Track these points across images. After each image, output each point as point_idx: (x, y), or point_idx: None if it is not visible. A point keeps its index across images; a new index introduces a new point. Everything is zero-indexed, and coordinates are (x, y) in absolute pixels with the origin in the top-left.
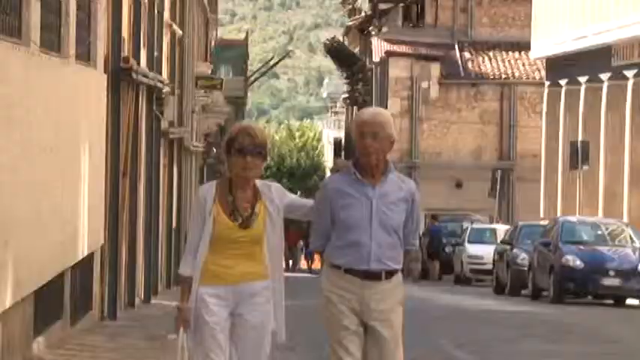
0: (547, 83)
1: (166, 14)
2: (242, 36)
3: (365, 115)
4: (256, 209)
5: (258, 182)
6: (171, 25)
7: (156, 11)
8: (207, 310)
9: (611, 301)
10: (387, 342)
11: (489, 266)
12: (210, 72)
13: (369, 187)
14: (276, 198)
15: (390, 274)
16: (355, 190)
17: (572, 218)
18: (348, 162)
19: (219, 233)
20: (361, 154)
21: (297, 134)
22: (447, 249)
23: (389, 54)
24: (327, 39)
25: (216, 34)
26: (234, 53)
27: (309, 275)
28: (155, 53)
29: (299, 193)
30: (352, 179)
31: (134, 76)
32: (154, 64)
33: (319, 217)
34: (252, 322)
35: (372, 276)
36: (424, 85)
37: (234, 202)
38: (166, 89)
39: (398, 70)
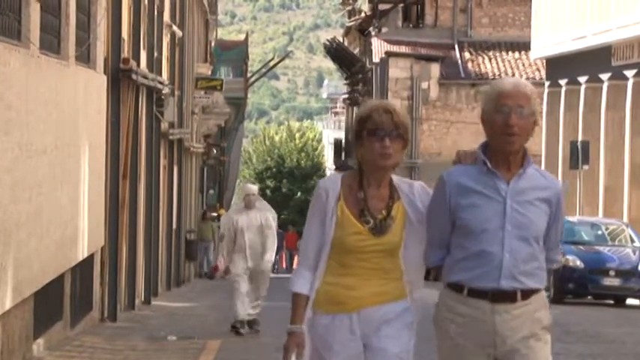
0: (547, 83)
1: (166, 15)
2: (242, 37)
3: (506, 85)
4: (393, 212)
5: (395, 178)
6: (171, 26)
7: (155, 12)
8: (331, 351)
9: (611, 301)
10: None
11: None
12: (210, 73)
13: (501, 182)
14: (419, 200)
15: (528, 294)
16: (483, 184)
17: (573, 218)
18: (477, 150)
19: (344, 240)
20: (499, 135)
21: (297, 135)
22: None
23: (389, 54)
24: (327, 40)
25: (216, 35)
26: (234, 54)
27: None
28: (155, 54)
29: (299, 193)
30: (480, 171)
31: (134, 77)
32: (154, 65)
33: (436, 222)
34: (388, 354)
35: (504, 297)
36: (424, 85)
37: (366, 200)
38: (166, 90)
39: (398, 70)
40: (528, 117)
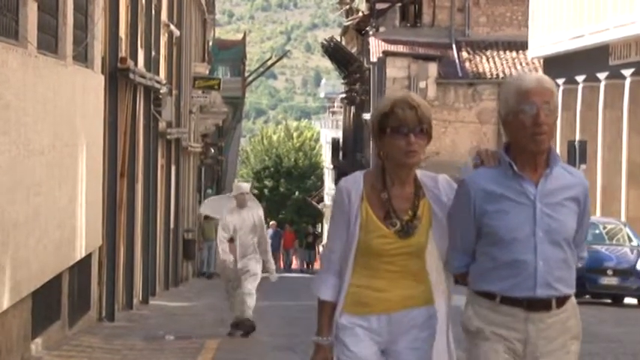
0: None
1: (164, 15)
2: (240, 36)
3: (529, 82)
4: (419, 211)
5: (419, 173)
6: (168, 26)
7: (153, 12)
8: (354, 339)
9: (609, 300)
10: None
11: None
12: (207, 72)
13: (529, 185)
14: (444, 195)
15: (562, 300)
16: (510, 189)
17: None
18: (498, 150)
19: (370, 243)
20: (528, 135)
21: (294, 134)
22: None
23: (386, 54)
24: (325, 39)
25: (214, 35)
26: (232, 53)
27: (306, 275)
28: (152, 54)
29: (297, 193)
30: (505, 174)
31: (131, 76)
32: (152, 64)
33: (460, 228)
34: None
35: (539, 305)
36: (422, 84)
37: (390, 200)
38: (164, 90)
39: (395, 69)
40: (554, 113)
